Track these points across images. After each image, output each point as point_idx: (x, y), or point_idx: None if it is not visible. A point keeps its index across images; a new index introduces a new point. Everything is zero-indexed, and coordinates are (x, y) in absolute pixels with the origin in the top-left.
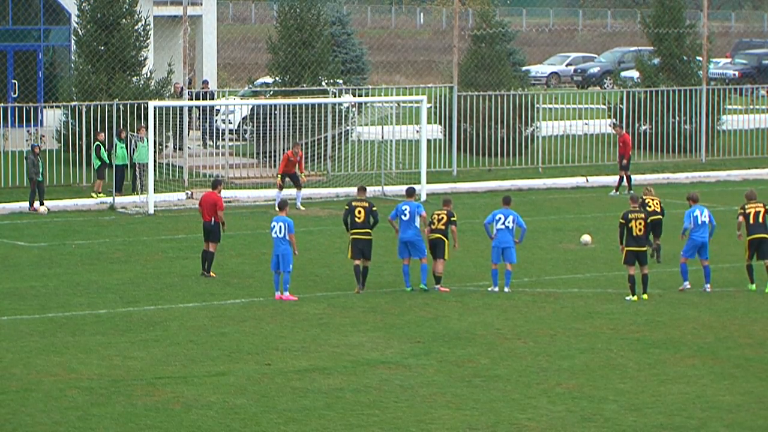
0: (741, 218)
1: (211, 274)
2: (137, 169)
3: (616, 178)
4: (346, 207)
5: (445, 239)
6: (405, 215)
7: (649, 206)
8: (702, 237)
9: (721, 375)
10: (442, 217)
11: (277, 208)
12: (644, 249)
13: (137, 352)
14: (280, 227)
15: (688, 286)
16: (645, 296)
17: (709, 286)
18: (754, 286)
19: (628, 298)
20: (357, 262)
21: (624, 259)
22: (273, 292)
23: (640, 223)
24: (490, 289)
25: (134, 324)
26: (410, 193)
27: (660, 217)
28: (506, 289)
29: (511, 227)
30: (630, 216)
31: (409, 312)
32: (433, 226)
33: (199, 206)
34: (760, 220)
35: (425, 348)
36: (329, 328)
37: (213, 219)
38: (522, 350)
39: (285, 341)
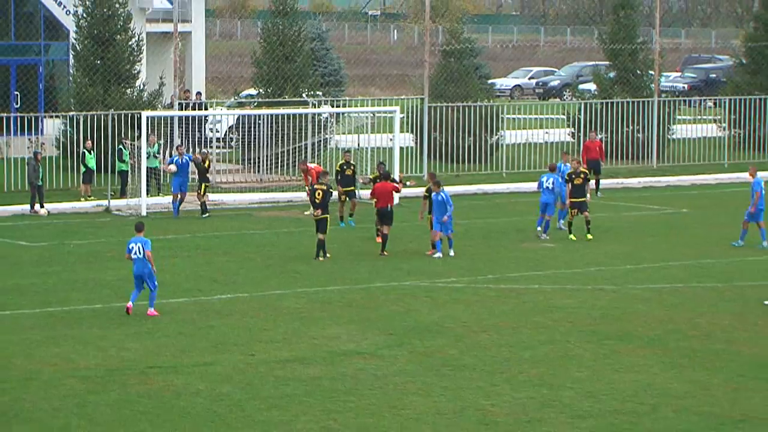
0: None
1: (384, 253)
2: (152, 174)
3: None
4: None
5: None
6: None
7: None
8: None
9: (670, 365)
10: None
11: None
12: None
13: (131, 344)
14: (139, 248)
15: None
16: None
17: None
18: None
19: None
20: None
21: None
22: (256, 288)
23: None
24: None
25: (128, 318)
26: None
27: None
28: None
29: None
30: None
31: (382, 306)
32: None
33: (373, 195)
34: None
35: (398, 340)
36: (309, 321)
37: (389, 205)
38: (487, 342)
39: (268, 333)
